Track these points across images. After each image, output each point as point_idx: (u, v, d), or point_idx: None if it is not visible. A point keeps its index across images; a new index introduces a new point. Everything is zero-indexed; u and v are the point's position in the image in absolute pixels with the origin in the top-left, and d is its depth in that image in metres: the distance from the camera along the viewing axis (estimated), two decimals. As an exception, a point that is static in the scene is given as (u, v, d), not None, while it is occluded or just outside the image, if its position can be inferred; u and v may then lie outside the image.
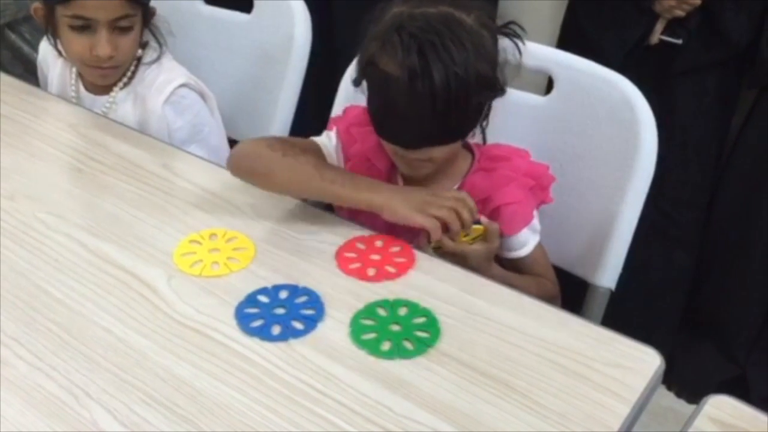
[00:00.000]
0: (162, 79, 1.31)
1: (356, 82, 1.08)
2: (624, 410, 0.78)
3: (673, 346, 1.82)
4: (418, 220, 0.99)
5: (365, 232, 1.03)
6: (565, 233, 1.15)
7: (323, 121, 1.29)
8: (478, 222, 1.05)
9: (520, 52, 1.06)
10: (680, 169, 1.72)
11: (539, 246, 1.12)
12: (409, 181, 1.10)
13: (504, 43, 1.05)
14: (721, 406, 0.78)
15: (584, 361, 0.83)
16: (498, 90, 1.02)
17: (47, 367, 0.82)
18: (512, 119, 1.19)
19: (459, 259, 1.02)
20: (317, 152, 1.12)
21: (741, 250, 1.77)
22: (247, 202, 1.08)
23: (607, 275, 1.14)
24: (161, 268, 0.96)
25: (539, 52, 1.19)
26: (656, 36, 1.61)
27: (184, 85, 1.32)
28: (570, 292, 1.17)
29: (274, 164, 1.05)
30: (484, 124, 1.11)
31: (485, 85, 1.00)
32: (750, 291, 1.79)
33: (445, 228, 0.99)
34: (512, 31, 1.05)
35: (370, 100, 1.05)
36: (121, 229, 1.03)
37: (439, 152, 1.03)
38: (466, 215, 0.99)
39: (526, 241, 1.10)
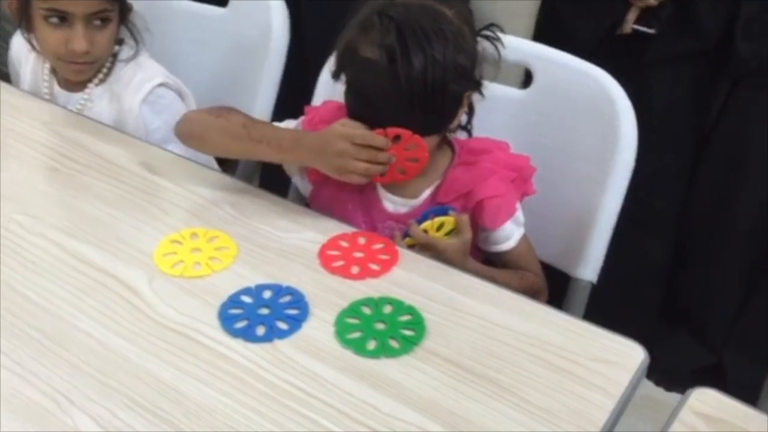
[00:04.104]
0: (139, 78, 1.29)
1: (335, 74, 1.07)
2: (609, 405, 0.78)
3: (651, 336, 1.84)
4: (343, 179, 1.03)
5: (348, 229, 1.03)
6: (546, 226, 1.15)
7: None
8: (446, 213, 1.05)
9: (499, 54, 1.06)
10: (656, 159, 1.73)
11: (524, 238, 1.12)
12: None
13: (483, 43, 1.05)
14: (704, 399, 0.79)
15: (569, 356, 0.84)
16: (475, 84, 1.02)
17: (28, 374, 0.81)
18: (491, 113, 1.19)
19: (434, 253, 1.02)
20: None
21: (716, 240, 1.79)
22: (228, 200, 1.07)
23: (589, 268, 1.14)
24: (142, 269, 0.95)
25: (518, 46, 1.19)
26: (629, 25, 1.61)
27: (162, 85, 1.30)
28: (551, 285, 1.17)
29: (207, 126, 1.10)
30: (470, 125, 1.11)
31: (463, 76, 0.99)
32: (725, 280, 1.81)
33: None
34: (493, 33, 1.05)
35: (348, 88, 1.04)
36: (99, 229, 1.02)
37: None
38: (381, 158, 1.01)
39: (510, 235, 1.10)
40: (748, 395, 1.66)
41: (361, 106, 1.02)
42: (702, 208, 1.80)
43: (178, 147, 1.30)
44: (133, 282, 0.93)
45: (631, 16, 1.61)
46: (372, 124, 1.01)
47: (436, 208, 1.05)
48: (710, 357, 1.82)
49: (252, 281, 0.93)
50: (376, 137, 1.00)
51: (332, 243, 1.00)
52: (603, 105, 1.14)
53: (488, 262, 1.14)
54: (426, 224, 1.03)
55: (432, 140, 1.04)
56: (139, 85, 1.29)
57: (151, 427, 0.76)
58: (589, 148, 1.15)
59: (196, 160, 1.18)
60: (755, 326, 1.81)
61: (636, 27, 1.61)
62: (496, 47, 1.06)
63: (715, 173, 1.75)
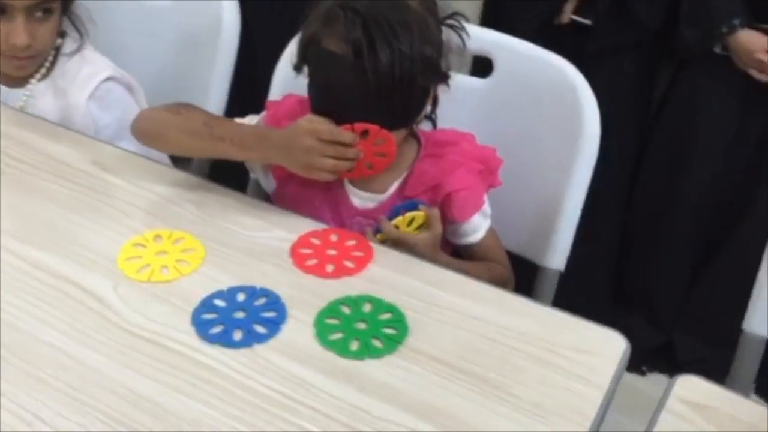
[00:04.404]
0: (85, 72, 1.23)
1: (297, 67, 1.04)
2: (598, 397, 0.78)
3: (605, 318, 1.87)
4: (311, 177, 1.00)
5: (318, 226, 1.00)
6: (513, 216, 1.15)
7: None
8: (416, 208, 1.03)
9: (464, 44, 1.05)
10: (601, 148, 1.75)
11: (491, 230, 1.11)
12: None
13: (448, 33, 1.04)
14: (689, 386, 0.80)
15: (552, 348, 0.83)
16: (443, 76, 1.00)
17: (-10, 392, 0.76)
18: (452, 103, 1.17)
19: (405, 248, 1.00)
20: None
21: (663, 223, 1.83)
22: (190, 199, 1.03)
23: (557, 257, 1.15)
24: (105, 275, 0.90)
25: (478, 35, 1.17)
26: (566, 15, 1.63)
27: (110, 79, 1.24)
28: (518, 275, 1.17)
29: (166, 124, 1.06)
30: (434, 115, 1.10)
31: (430, 68, 0.98)
32: (672, 261, 1.86)
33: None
34: (457, 22, 1.04)
35: (312, 82, 1.01)
36: (55, 234, 0.96)
37: None
38: (349, 154, 0.98)
39: (478, 227, 1.10)
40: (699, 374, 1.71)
41: (327, 101, 0.99)
42: (649, 193, 1.83)
43: (130, 144, 1.24)
44: (97, 289, 0.88)
45: (569, 6, 1.62)
46: (338, 118, 0.99)
47: (406, 203, 1.04)
48: (661, 337, 1.87)
49: (223, 284, 0.90)
50: (344, 133, 0.97)
51: (303, 241, 0.97)
52: (565, 94, 1.14)
53: (456, 254, 1.13)
54: (397, 220, 1.02)
55: (399, 134, 1.02)
56: (86, 80, 1.23)
57: (131, 443, 0.72)
58: (553, 137, 1.15)
59: (150, 157, 1.13)
60: (703, 305, 1.87)
61: (573, 17, 1.63)
62: (460, 36, 1.05)
63: (661, 159, 1.79)
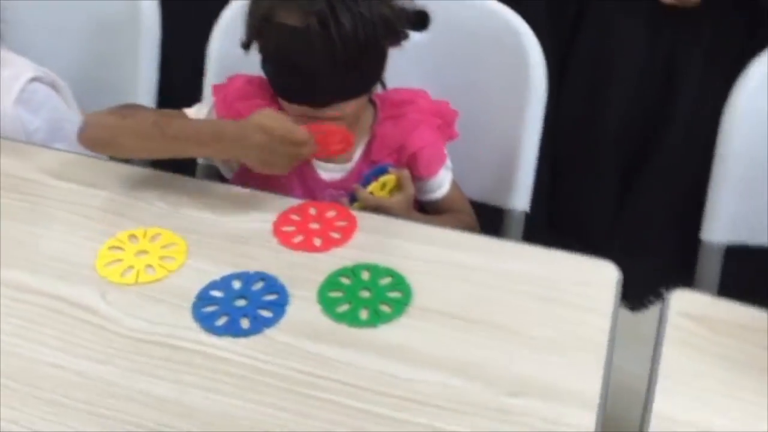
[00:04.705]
0: (6, 76, 1.15)
1: (246, 45, 1.01)
2: (605, 324, 0.82)
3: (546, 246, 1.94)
4: (265, 172, 0.98)
5: (293, 202, 0.99)
6: (473, 165, 1.17)
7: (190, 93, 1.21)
8: (386, 172, 1.04)
9: None
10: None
11: (453, 182, 1.13)
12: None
13: None
14: (683, 299, 0.84)
15: (552, 285, 0.86)
16: (403, 34, 1.00)
17: (6, 423, 0.72)
18: (394, 60, 1.17)
19: (382, 212, 1.01)
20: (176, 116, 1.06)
21: (587, 149, 1.90)
22: (154, 193, 0.99)
23: (520, 198, 1.18)
24: (89, 285, 0.87)
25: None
26: None
27: (34, 79, 1.17)
28: (481, 222, 1.19)
29: (115, 129, 1.01)
30: (383, 77, 1.09)
31: (390, 29, 0.98)
32: (600, 185, 1.93)
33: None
34: None
35: (268, 60, 0.99)
36: (21, 250, 0.91)
37: (350, 106, 1.00)
38: (304, 153, 0.98)
39: (443, 181, 1.11)
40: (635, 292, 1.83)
41: (290, 76, 0.97)
42: (571, 120, 1.89)
43: (64, 145, 1.19)
44: (85, 300, 0.85)
45: None
46: (300, 92, 0.98)
47: (375, 169, 1.04)
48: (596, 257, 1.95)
49: (215, 274, 0.88)
50: (297, 133, 0.95)
51: (284, 219, 0.96)
52: (507, 38, 1.15)
53: (422, 209, 1.14)
54: (371, 186, 1.02)
55: (363, 99, 1.01)
56: (9, 84, 1.15)
57: (167, 448, 0.70)
58: (501, 82, 1.17)
59: (99, 156, 1.08)
60: (632, 224, 1.96)
61: None
62: None
63: (580, 85, 1.85)
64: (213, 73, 1.22)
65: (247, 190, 1.01)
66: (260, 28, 0.98)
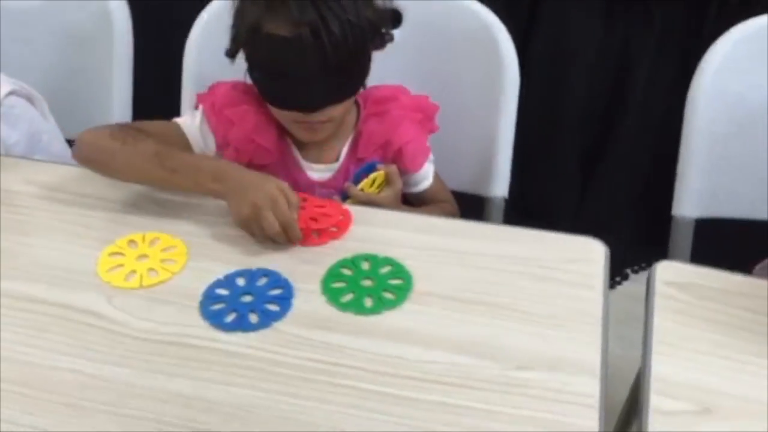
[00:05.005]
0: (-17, 91, 1.15)
1: (232, 54, 1.03)
2: (599, 297, 0.86)
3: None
4: (239, 223, 0.93)
5: (284, 200, 1.01)
6: (453, 156, 1.20)
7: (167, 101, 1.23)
8: (375, 169, 1.07)
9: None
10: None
11: (436, 173, 1.17)
12: (306, 146, 1.09)
13: None
14: (668, 269, 0.89)
15: (545, 264, 0.90)
16: (388, 36, 1.03)
17: (28, 429, 0.73)
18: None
19: (373, 207, 1.03)
20: (172, 137, 1.05)
21: (550, 135, 1.96)
22: (147, 198, 1.01)
23: (500, 185, 1.22)
24: (94, 291, 0.88)
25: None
26: None
27: (12, 93, 1.16)
28: (463, 210, 1.23)
29: (113, 154, 0.98)
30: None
31: (376, 31, 1.00)
32: (563, 171, 2.00)
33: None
34: None
35: (258, 68, 1.01)
36: (21, 262, 0.92)
37: (339, 109, 1.03)
38: (291, 235, 0.92)
39: (427, 174, 1.15)
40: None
41: (280, 84, 0.99)
42: (533, 108, 1.94)
43: (44, 156, 1.19)
44: (92, 306, 0.86)
45: None
46: (292, 99, 1.00)
47: (364, 166, 1.07)
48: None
49: (217, 273, 0.90)
50: (293, 228, 0.91)
51: (277, 216, 0.98)
52: (479, 31, 1.19)
53: (406, 202, 1.17)
54: (363, 183, 1.05)
55: (351, 101, 1.04)
56: (-14, 99, 1.15)
57: (194, 442, 0.72)
58: (475, 75, 1.21)
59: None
60: (595, 207, 2.03)
61: None
62: None
63: (539, 76, 1.90)
64: (190, 81, 1.24)
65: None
66: (248, 39, 0.99)
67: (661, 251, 1.73)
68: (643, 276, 1.97)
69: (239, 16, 1.00)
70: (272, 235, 0.91)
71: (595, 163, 1.98)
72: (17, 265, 0.91)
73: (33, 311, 0.85)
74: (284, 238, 0.91)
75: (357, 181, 1.05)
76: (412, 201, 1.17)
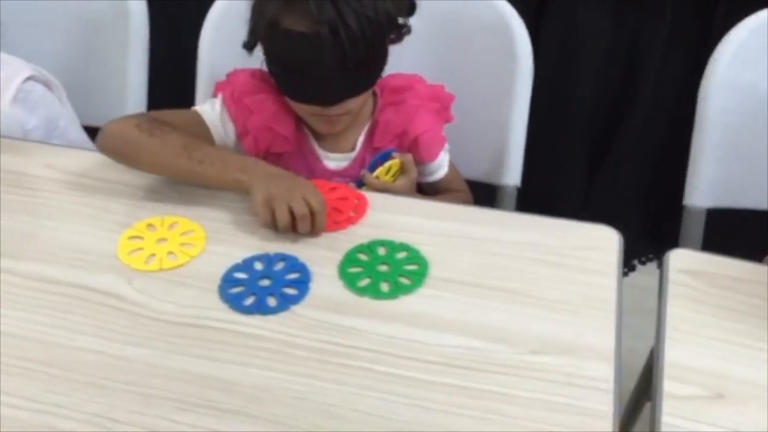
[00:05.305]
0: (3, 75, 1.16)
1: (250, 46, 1.04)
2: (612, 284, 0.87)
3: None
4: (257, 204, 0.92)
5: (301, 186, 1.02)
6: (467, 146, 1.21)
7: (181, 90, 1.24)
8: (390, 157, 1.08)
9: None
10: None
11: (451, 163, 1.18)
12: (322, 136, 1.10)
13: None
14: (681, 257, 0.90)
15: (559, 251, 0.91)
16: (405, 27, 1.03)
17: (52, 407, 0.74)
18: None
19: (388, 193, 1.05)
20: (193, 127, 1.06)
21: (558, 129, 1.97)
22: (165, 183, 1.01)
23: (512, 174, 1.23)
24: (114, 273, 0.89)
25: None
26: None
27: (30, 78, 1.18)
28: (476, 198, 1.24)
29: (140, 145, 0.98)
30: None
31: (393, 23, 1.01)
32: (571, 162, 2.01)
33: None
34: None
35: (276, 63, 1.02)
36: (44, 245, 0.93)
37: (357, 101, 1.04)
38: (301, 229, 0.92)
39: (443, 163, 1.16)
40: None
41: (299, 79, 1.00)
42: (542, 100, 1.95)
43: (61, 141, 1.20)
44: (113, 288, 0.87)
45: None
46: (310, 94, 1.01)
47: (381, 154, 1.08)
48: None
49: (236, 257, 0.91)
50: (321, 214, 0.91)
51: (294, 202, 0.99)
52: (492, 20, 1.20)
53: (420, 191, 1.18)
54: (378, 171, 1.06)
55: (369, 92, 1.05)
56: (5, 83, 1.16)
57: (216, 421, 0.73)
58: (488, 63, 1.22)
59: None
60: (601, 201, 2.03)
61: None
62: None
63: (549, 69, 1.91)
64: (205, 70, 1.25)
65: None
66: (266, 33, 0.99)
67: (668, 243, 1.74)
68: (650, 267, 2.00)
69: (257, 10, 1.01)
70: (299, 216, 0.90)
71: (603, 156, 1.99)
72: (39, 248, 0.92)
73: (55, 293, 0.86)
74: (308, 224, 0.91)
75: (372, 169, 1.06)
76: (426, 190, 1.18)
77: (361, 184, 1.06)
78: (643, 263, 2.02)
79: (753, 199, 1.20)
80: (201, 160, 0.96)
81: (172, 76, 1.36)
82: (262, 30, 1.00)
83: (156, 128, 0.99)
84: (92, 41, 1.33)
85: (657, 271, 2.12)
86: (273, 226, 0.92)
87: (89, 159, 1.07)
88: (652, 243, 1.90)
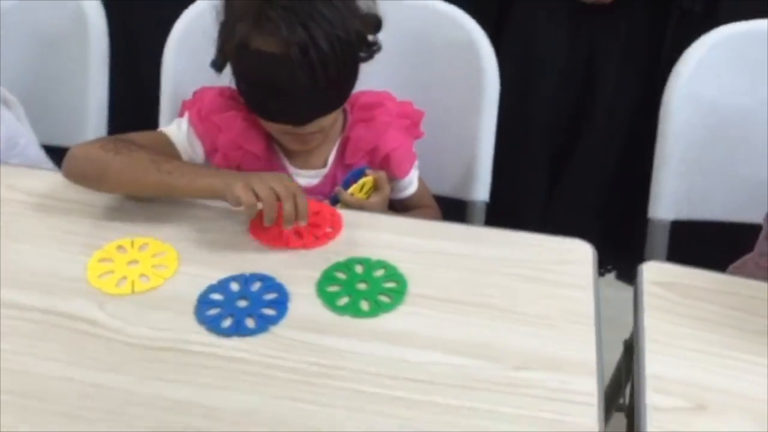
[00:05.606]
0: (-41, 94, 1.12)
1: (219, 66, 1.02)
2: (589, 297, 0.88)
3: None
4: (237, 190, 0.89)
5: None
6: (434, 162, 1.21)
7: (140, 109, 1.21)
8: (364, 174, 1.08)
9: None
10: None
11: (420, 179, 1.18)
12: (294, 155, 1.09)
13: None
14: (654, 270, 0.92)
15: (535, 265, 0.92)
16: (375, 45, 1.03)
17: (27, 440, 0.72)
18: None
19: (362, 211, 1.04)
20: (160, 147, 1.05)
21: (519, 140, 1.98)
22: (132, 203, 0.99)
23: (482, 189, 1.24)
24: (85, 298, 0.86)
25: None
26: None
27: (-14, 97, 1.14)
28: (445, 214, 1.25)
29: (106, 165, 0.96)
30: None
31: (364, 41, 1.01)
32: (531, 173, 2.03)
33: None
34: None
35: (247, 83, 1.00)
36: (7, 268, 0.90)
37: (329, 119, 1.03)
38: (287, 208, 0.91)
39: (413, 179, 1.16)
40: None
41: (270, 99, 0.99)
42: (502, 114, 1.97)
43: (20, 160, 1.17)
44: (84, 313, 0.84)
45: None
46: (281, 113, 1.00)
47: (354, 171, 1.08)
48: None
49: (211, 278, 0.89)
50: (302, 197, 0.92)
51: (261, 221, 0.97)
52: (456, 34, 1.21)
53: (391, 208, 1.18)
54: (353, 188, 1.05)
55: (340, 110, 1.05)
56: (-38, 103, 1.12)
57: (198, 448, 0.72)
58: (454, 78, 1.22)
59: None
60: (562, 210, 2.06)
61: None
62: None
63: (508, 83, 1.93)
64: (169, 88, 1.23)
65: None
66: (236, 53, 0.98)
67: (626, 253, 1.77)
68: (608, 278, 2.02)
69: (227, 30, 0.99)
70: (283, 195, 0.89)
71: (563, 169, 2.02)
72: (4, 273, 0.89)
73: (24, 319, 0.83)
74: (292, 204, 0.90)
75: (346, 187, 1.06)
76: (396, 207, 1.17)
77: (335, 201, 1.05)
78: (602, 274, 2.06)
79: (716, 211, 1.22)
80: (170, 171, 0.95)
81: (134, 95, 1.34)
82: (231, 50, 0.99)
83: (122, 147, 0.98)
84: (51, 58, 1.30)
85: (616, 282, 2.14)
86: (252, 209, 0.90)
87: (52, 179, 1.03)
88: (610, 254, 1.93)
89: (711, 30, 1.32)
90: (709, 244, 1.25)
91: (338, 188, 1.05)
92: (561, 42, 1.85)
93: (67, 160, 0.99)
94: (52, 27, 1.29)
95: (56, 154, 1.25)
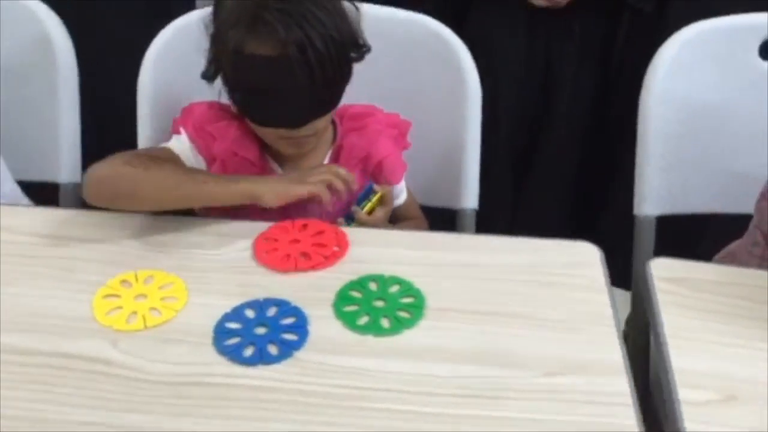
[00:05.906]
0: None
1: (210, 77, 1.01)
2: (605, 298, 0.89)
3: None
4: (300, 190, 0.96)
5: (263, 226, 0.98)
6: (420, 172, 1.21)
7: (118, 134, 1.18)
8: (373, 191, 1.07)
9: (357, 9, 1.07)
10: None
11: (408, 189, 1.18)
12: (287, 160, 1.08)
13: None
14: (661, 266, 0.93)
15: (549, 270, 0.92)
16: (365, 46, 1.03)
17: (57, 492, 0.68)
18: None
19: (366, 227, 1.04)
20: (177, 159, 1.04)
21: (484, 147, 2.00)
22: (129, 235, 0.96)
23: (470, 197, 1.23)
24: (96, 337, 0.83)
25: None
26: None
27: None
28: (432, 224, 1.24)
29: (140, 181, 0.96)
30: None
31: (355, 43, 1.01)
32: (496, 179, 2.04)
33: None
34: None
35: (242, 89, 1.00)
36: (11, 314, 0.85)
37: (322, 122, 1.03)
38: (339, 185, 0.99)
39: (402, 189, 1.16)
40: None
41: (266, 103, 0.98)
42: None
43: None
44: (98, 353, 0.81)
45: None
46: (277, 117, 1.00)
47: (365, 188, 1.07)
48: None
49: (224, 306, 0.87)
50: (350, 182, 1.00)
51: (269, 235, 0.96)
52: (434, 44, 1.21)
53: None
54: (368, 206, 1.06)
55: (332, 113, 1.05)
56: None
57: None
58: (436, 88, 1.22)
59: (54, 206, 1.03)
60: (528, 214, 2.09)
61: None
62: (353, 3, 1.07)
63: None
64: (146, 107, 1.19)
65: (220, 221, 1.00)
66: (231, 61, 0.97)
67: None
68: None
69: (219, 38, 0.99)
70: (334, 173, 0.98)
71: (527, 173, 2.04)
72: (6, 317, 0.85)
73: (35, 364, 0.80)
74: (342, 183, 0.98)
75: (359, 204, 1.06)
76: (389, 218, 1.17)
77: (351, 219, 1.04)
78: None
79: (699, 204, 1.25)
80: (205, 180, 0.97)
81: (106, 123, 1.30)
82: (225, 58, 0.98)
83: (148, 162, 0.98)
84: (19, 91, 1.25)
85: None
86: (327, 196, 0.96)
87: (40, 216, 1.00)
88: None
89: (662, 29, 1.37)
90: (687, 237, 1.29)
91: (354, 208, 1.05)
92: (519, 45, 1.87)
93: (94, 182, 0.98)
94: (19, 60, 1.24)
95: (31, 189, 1.21)
